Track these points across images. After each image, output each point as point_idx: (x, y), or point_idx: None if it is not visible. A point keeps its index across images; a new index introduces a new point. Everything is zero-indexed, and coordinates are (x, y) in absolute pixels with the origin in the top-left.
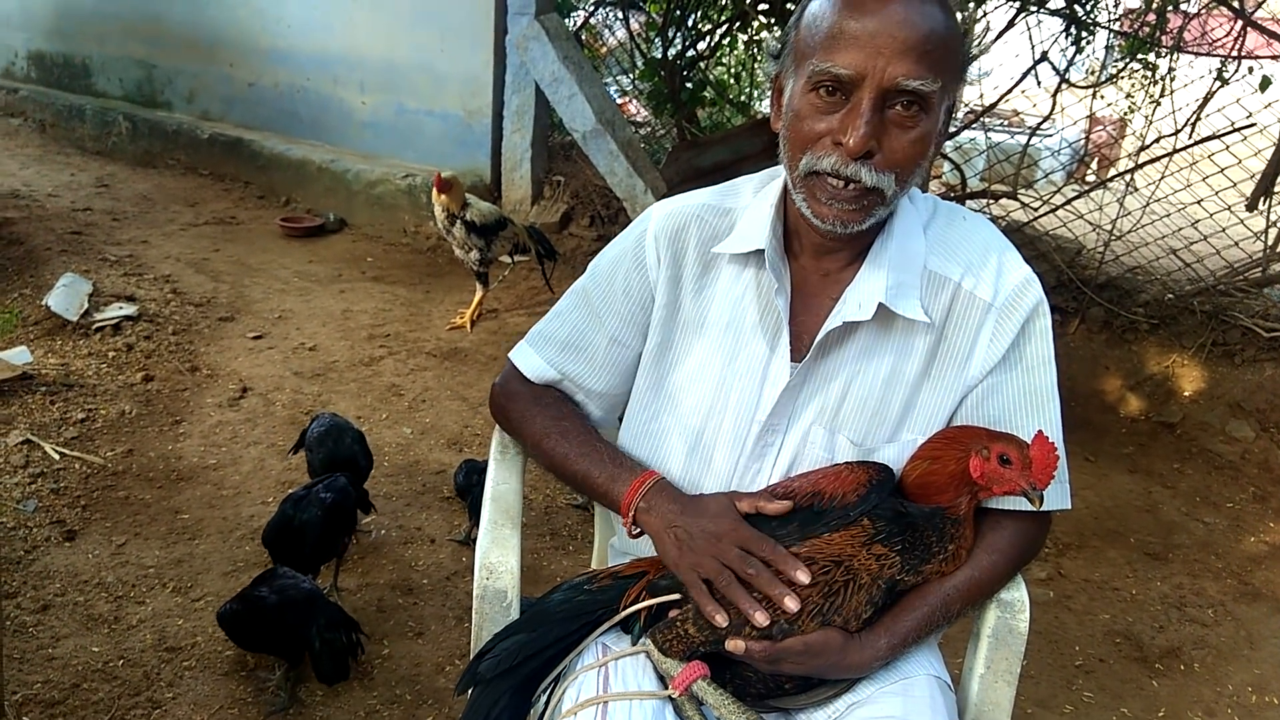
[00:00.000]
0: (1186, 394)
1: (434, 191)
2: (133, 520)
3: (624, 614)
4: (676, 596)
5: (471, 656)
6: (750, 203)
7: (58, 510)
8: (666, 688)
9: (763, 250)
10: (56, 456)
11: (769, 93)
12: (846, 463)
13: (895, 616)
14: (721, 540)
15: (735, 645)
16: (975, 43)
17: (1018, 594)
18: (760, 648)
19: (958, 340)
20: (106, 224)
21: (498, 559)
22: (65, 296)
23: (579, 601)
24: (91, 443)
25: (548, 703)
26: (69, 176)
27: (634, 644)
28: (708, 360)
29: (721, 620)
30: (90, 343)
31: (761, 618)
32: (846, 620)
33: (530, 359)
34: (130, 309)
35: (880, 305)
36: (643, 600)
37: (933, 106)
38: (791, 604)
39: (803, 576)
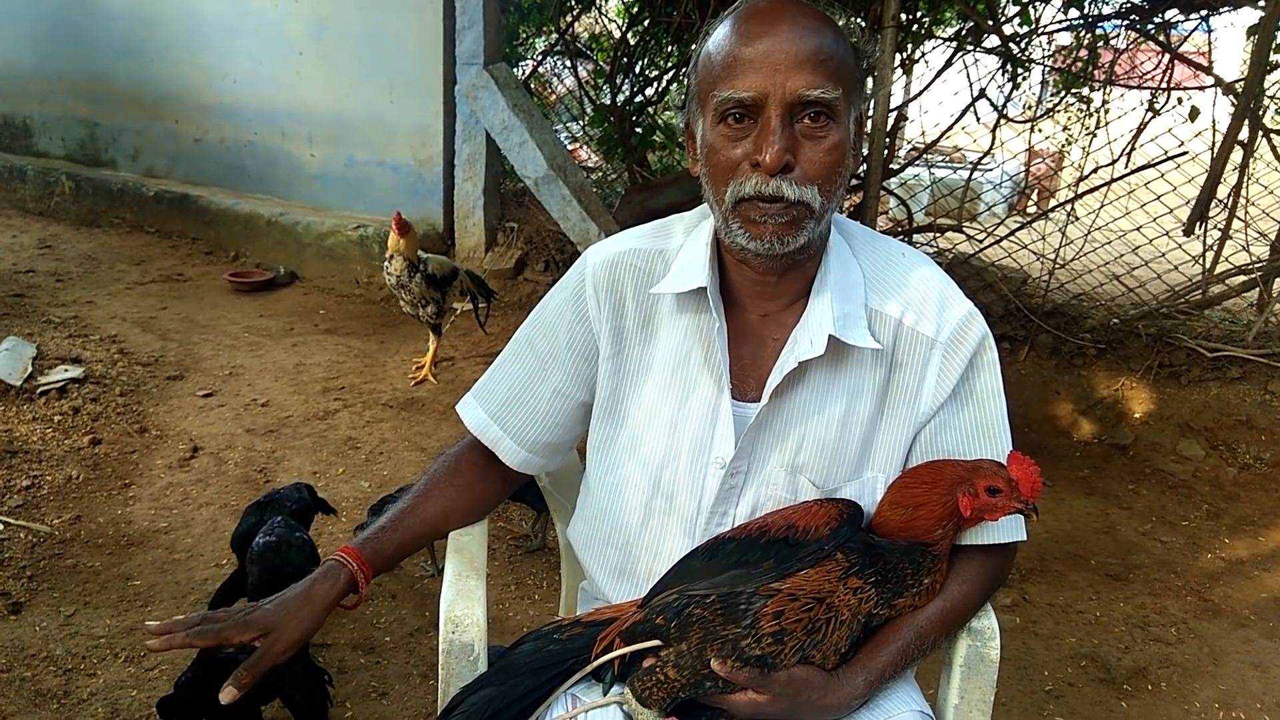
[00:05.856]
0: (1137, 416)
1: (393, 236)
2: (82, 589)
3: (597, 663)
4: (655, 644)
5: (439, 714)
6: (683, 243)
7: (2, 582)
8: None
9: (701, 289)
10: (0, 527)
11: None
12: (816, 499)
13: (871, 652)
14: None
15: (721, 667)
16: (872, 56)
17: (987, 622)
18: (747, 675)
19: (906, 377)
20: (50, 285)
21: (463, 612)
22: (7, 361)
23: (549, 651)
24: (37, 510)
25: None
26: (10, 238)
27: (606, 693)
28: (658, 405)
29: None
30: (35, 407)
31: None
32: (825, 657)
33: (474, 412)
34: (76, 371)
35: (831, 338)
36: (617, 646)
37: (839, 115)
38: None
39: None
